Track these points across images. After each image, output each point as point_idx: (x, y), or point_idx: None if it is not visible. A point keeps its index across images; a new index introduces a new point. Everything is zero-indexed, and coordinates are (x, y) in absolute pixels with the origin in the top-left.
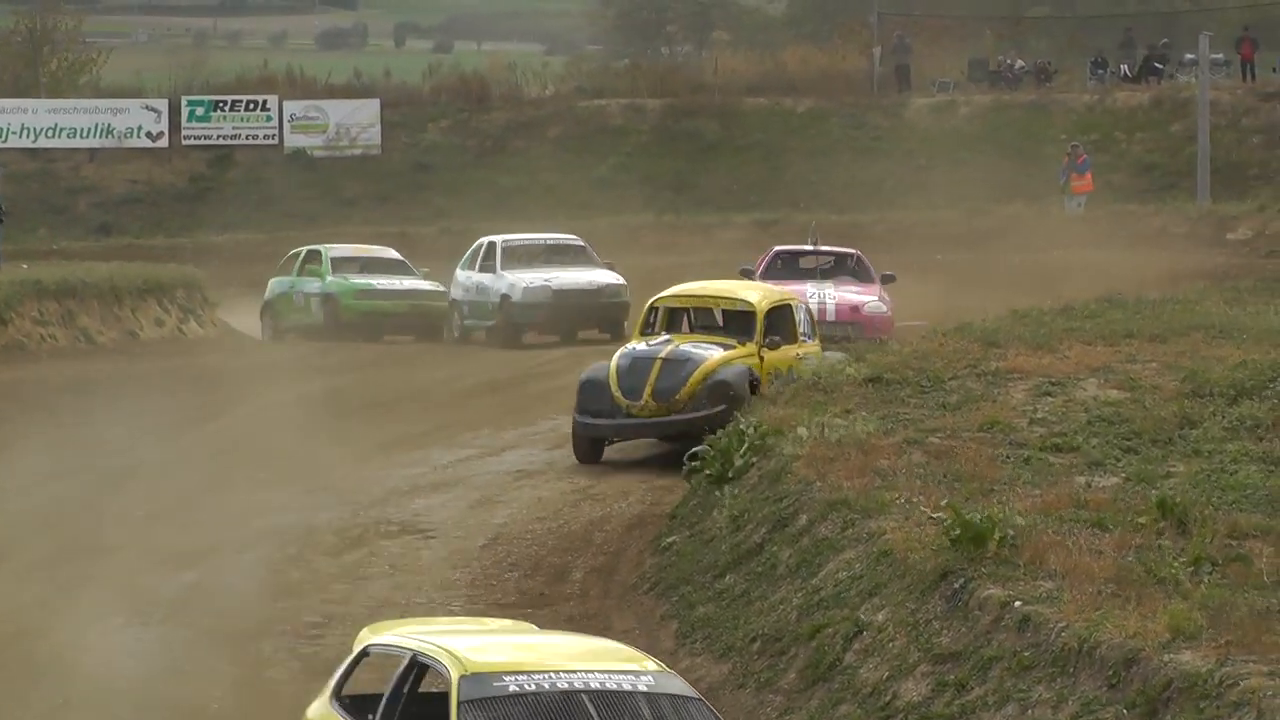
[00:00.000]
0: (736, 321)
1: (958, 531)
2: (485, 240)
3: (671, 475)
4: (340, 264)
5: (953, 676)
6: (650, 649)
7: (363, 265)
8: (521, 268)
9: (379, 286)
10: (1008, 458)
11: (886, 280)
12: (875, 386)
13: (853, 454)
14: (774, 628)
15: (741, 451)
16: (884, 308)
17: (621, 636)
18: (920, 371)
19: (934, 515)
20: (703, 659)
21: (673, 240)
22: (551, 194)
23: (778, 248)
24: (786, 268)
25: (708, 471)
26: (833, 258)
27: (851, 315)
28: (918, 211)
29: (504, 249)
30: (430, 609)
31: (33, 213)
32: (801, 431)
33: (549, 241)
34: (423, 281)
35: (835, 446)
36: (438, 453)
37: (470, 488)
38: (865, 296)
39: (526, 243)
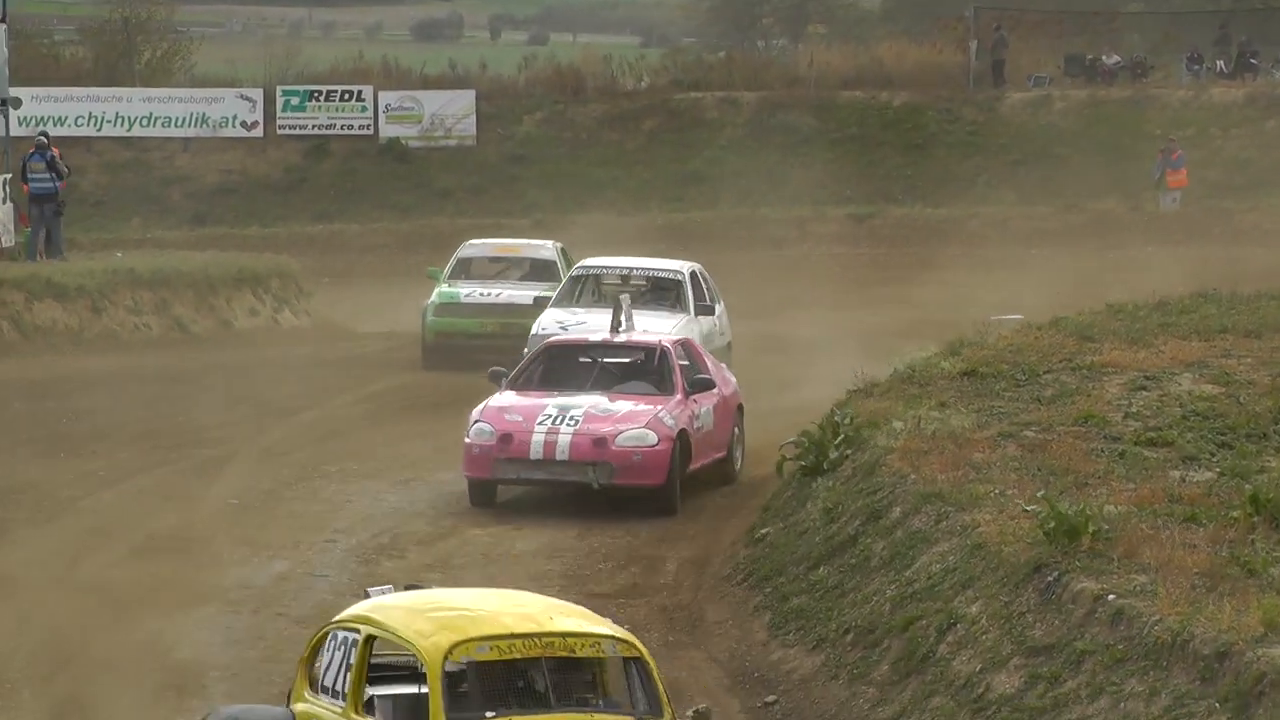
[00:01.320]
0: None
1: (1052, 525)
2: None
3: (765, 467)
4: (466, 266)
5: (1046, 669)
6: (743, 640)
7: (498, 268)
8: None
9: (470, 299)
10: (1102, 452)
11: (697, 387)
12: (970, 380)
13: (947, 447)
14: (867, 620)
15: (836, 444)
16: (654, 438)
17: (714, 627)
18: (1015, 365)
19: (1028, 508)
20: (796, 650)
21: (767, 232)
22: (646, 187)
23: (550, 341)
24: (557, 369)
25: (802, 463)
26: (637, 354)
27: (595, 453)
28: (1012, 206)
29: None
30: None
31: (127, 202)
32: (896, 424)
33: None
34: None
35: (930, 439)
36: None
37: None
38: (626, 425)
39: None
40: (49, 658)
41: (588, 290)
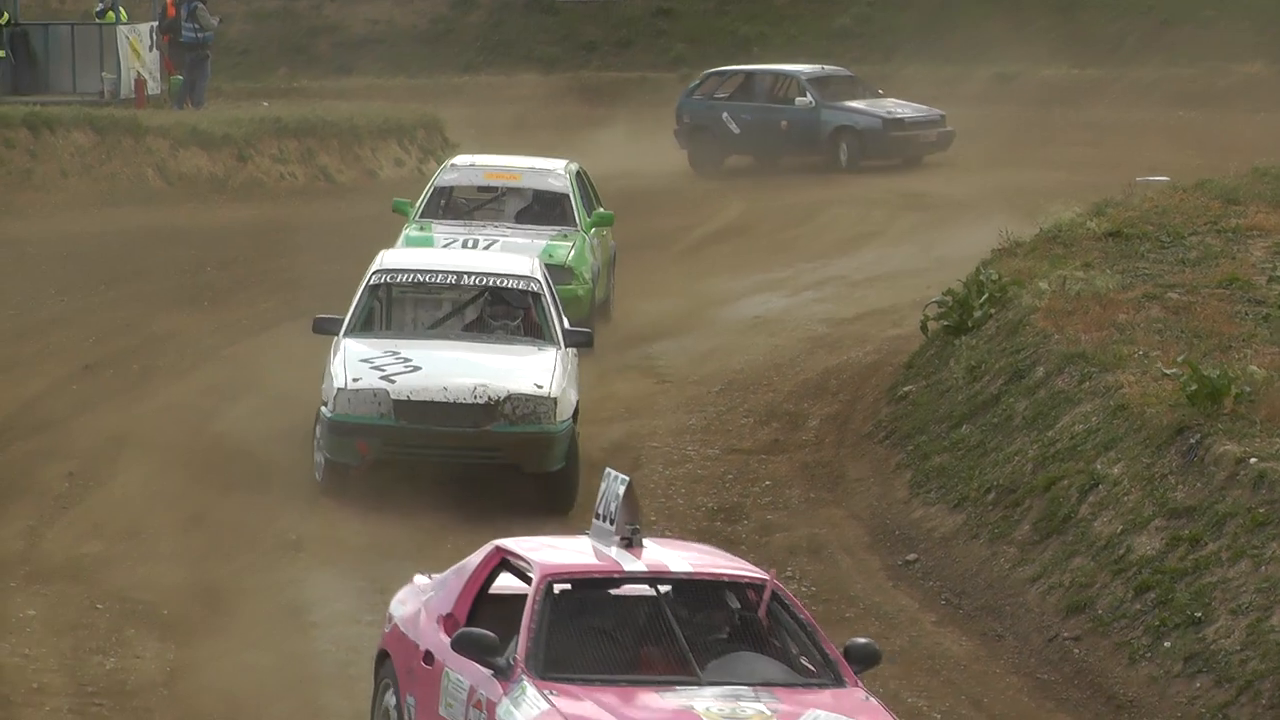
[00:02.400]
0: None
1: (1194, 387)
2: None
3: (908, 325)
4: (446, 199)
5: (1186, 532)
6: (884, 497)
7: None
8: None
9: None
10: (1246, 315)
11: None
12: (1114, 241)
13: (1091, 307)
14: (1009, 479)
15: (980, 303)
16: None
17: (856, 484)
18: (1160, 227)
19: (1171, 370)
20: (936, 509)
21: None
22: (792, 43)
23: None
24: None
25: (945, 322)
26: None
27: None
28: (1159, 68)
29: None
30: (665, 452)
31: (273, 52)
32: (1041, 284)
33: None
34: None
35: (1074, 299)
36: (675, 299)
37: (706, 334)
38: None
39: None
40: (188, 508)
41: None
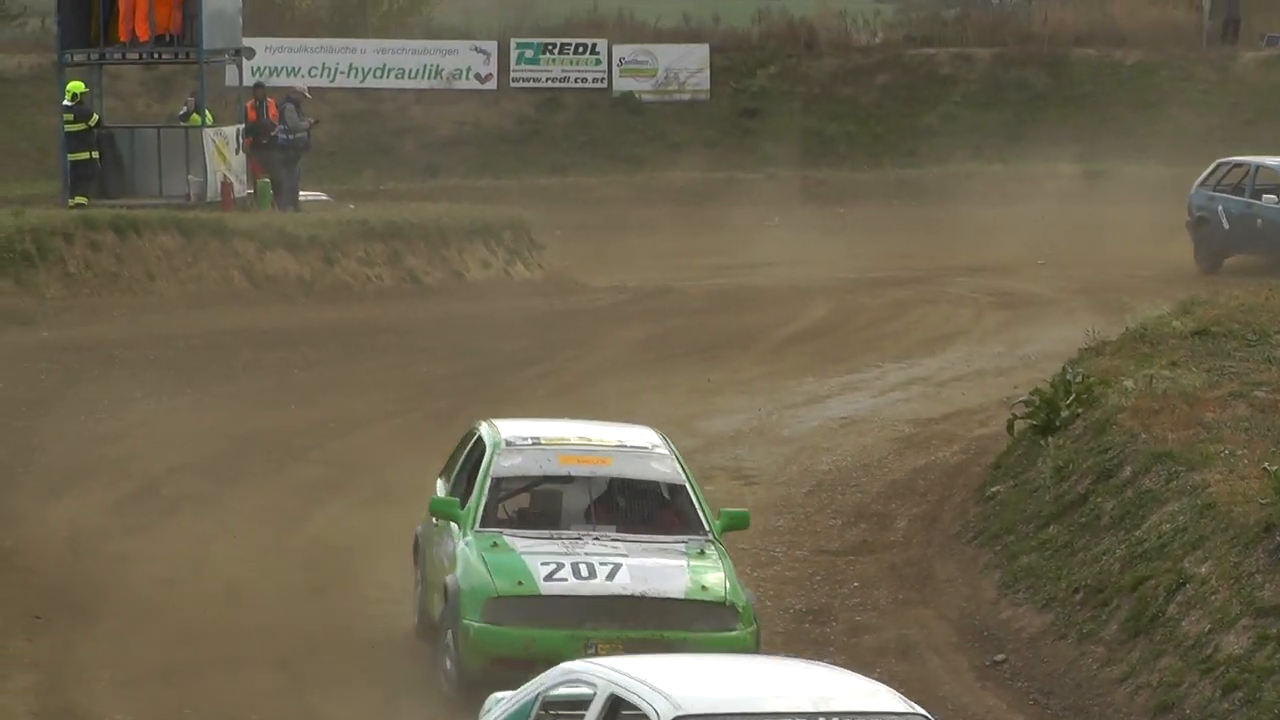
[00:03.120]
0: None
1: None
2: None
3: (995, 425)
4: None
5: (1275, 630)
6: (972, 598)
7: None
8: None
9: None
10: None
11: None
12: (1201, 339)
13: (1178, 406)
14: (1096, 579)
15: (1067, 402)
16: None
17: (944, 585)
18: (1246, 325)
19: (1261, 467)
20: (1025, 609)
21: (999, 188)
22: (878, 142)
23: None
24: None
25: (1033, 422)
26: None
27: None
28: None
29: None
30: (754, 554)
31: (359, 153)
32: (1127, 383)
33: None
34: None
35: (1161, 398)
36: (761, 399)
37: (794, 434)
38: None
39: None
40: (281, 606)
41: None
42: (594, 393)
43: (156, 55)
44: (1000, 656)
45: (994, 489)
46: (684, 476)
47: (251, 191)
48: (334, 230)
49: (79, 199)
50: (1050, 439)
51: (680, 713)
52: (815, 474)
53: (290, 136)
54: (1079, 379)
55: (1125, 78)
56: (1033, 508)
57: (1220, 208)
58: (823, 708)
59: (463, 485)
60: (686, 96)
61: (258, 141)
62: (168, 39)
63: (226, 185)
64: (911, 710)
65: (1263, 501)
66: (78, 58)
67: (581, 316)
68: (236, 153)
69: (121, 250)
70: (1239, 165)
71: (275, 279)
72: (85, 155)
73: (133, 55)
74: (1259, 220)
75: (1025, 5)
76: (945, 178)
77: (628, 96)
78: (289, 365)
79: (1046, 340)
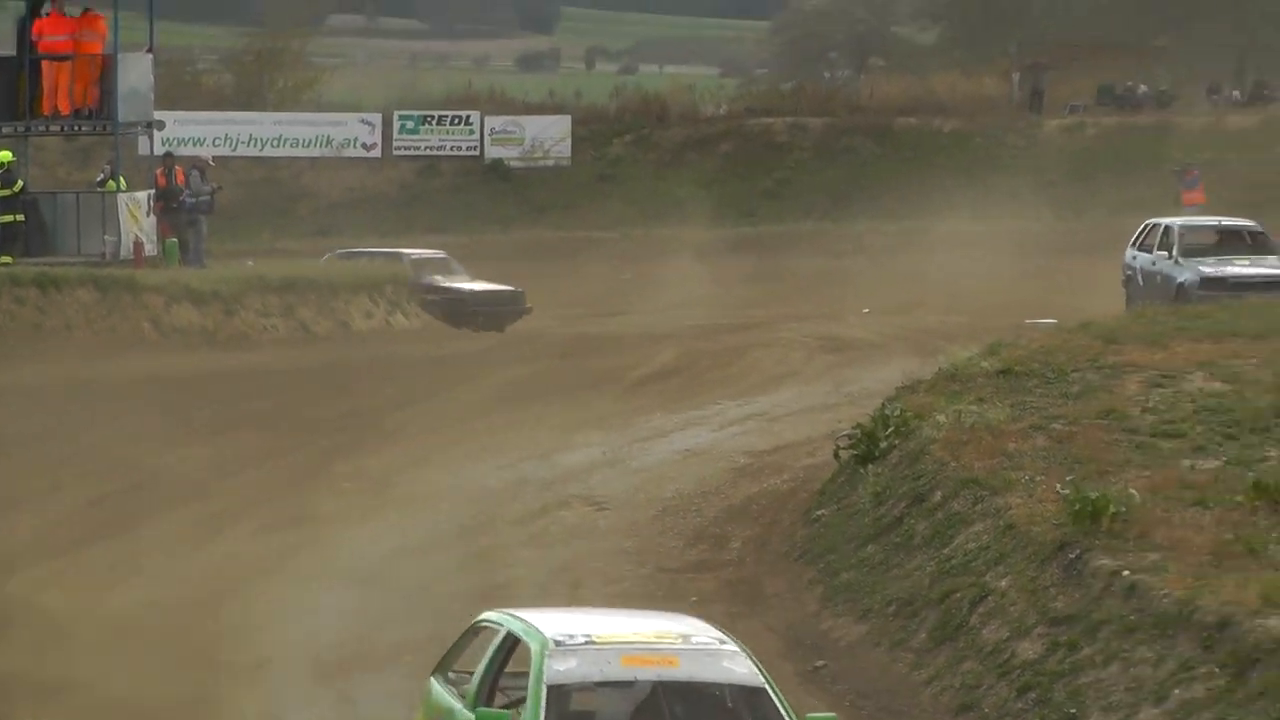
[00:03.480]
0: None
1: (1076, 508)
2: None
3: (821, 455)
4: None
5: (1065, 637)
6: (797, 611)
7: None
8: None
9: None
10: (1121, 443)
11: None
12: (1005, 378)
13: (984, 437)
14: (908, 592)
15: (885, 435)
16: None
17: (773, 599)
18: (1046, 365)
19: (1056, 492)
20: (844, 620)
21: (828, 245)
22: (721, 202)
23: None
24: None
25: (854, 452)
26: None
27: None
28: (1049, 222)
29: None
30: (604, 572)
31: (258, 215)
32: (939, 417)
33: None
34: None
35: (969, 431)
36: (614, 434)
37: (642, 465)
38: None
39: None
40: (172, 630)
41: None
42: (466, 430)
43: (76, 128)
44: (821, 663)
45: (819, 512)
46: (763, 678)
47: (161, 251)
48: (234, 285)
49: (5, 258)
50: (870, 467)
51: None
52: (660, 500)
53: (195, 200)
54: (896, 414)
55: (943, 144)
56: (853, 529)
57: (1139, 265)
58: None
59: (486, 691)
60: (550, 163)
61: (167, 205)
62: (86, 113)
63: (138, 245)
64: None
65: (1056, 523)
66: (5, 130)
67: (455, 361)
68: (147, 215)
69: (44, 304)
70: (1156, 225)
71: (181, 329)
72: (11, 218)
73: (55, 128)
74: (1158, 276)
75: (854, 79)
76: (781, 235)
77: (498, 163)
78: (194, 407)
79: (868, 380)
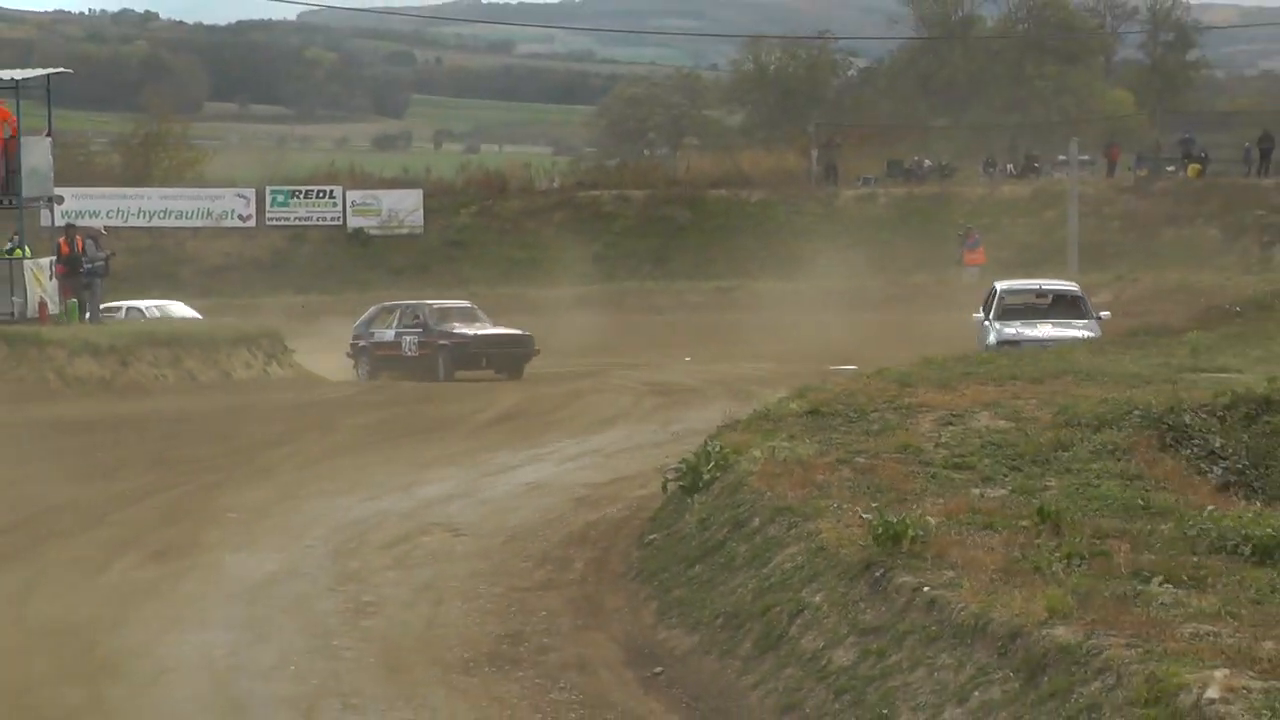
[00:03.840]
0: None
1: (879, 531)
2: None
3: (652, 487)
4: None
5: (875, 646)
6: (635, 624)
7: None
8: None
9: None
10: (918, 474)
11: None
12: (813, 417)
13: (796, 470)
14: (733, 607)
15: (708, 468)
16: None
17: (613, 614)
18: (848, 405)
19: (861, 518)
20: (677, 632)
21: (652, 302)
22: (557, 264)
23: None
24: None
25: (681, 483)
26: None
27: None
28: (846, 280)
29: None
30: (461, 590)
31: (146, 278)
32: (755, 452)
33: None
34: None
35: (782, 464)
36: (466, 469)
37: (492, 496)
38: None
39: None
40: (78, 643)
41: None
42: (333, 466)
43: None
44: (659, 670)
45: (651, 537)
46: None
47: (63, 310)
48: (128, 339)
49: None
50: (695, 497)
51: None
52: (509, 527)
53: (92, 265)
54: (717, 450)
55: (750, 212)
56: (682, 551)
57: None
58: None
59: None
60: (405, 231)
61: (70, 270)
62: None
63: (42, 305)
64: None
65: (862, 544)
66: None
67: (323, 406)
68: (50, 279)
69: None
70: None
71: (82, 378)
72: None
73: None
74: (980, 336)
75: (671, 155)
76: (610, 293)
77: (359, 231)
78: (93, 447)
79: (691, 420)
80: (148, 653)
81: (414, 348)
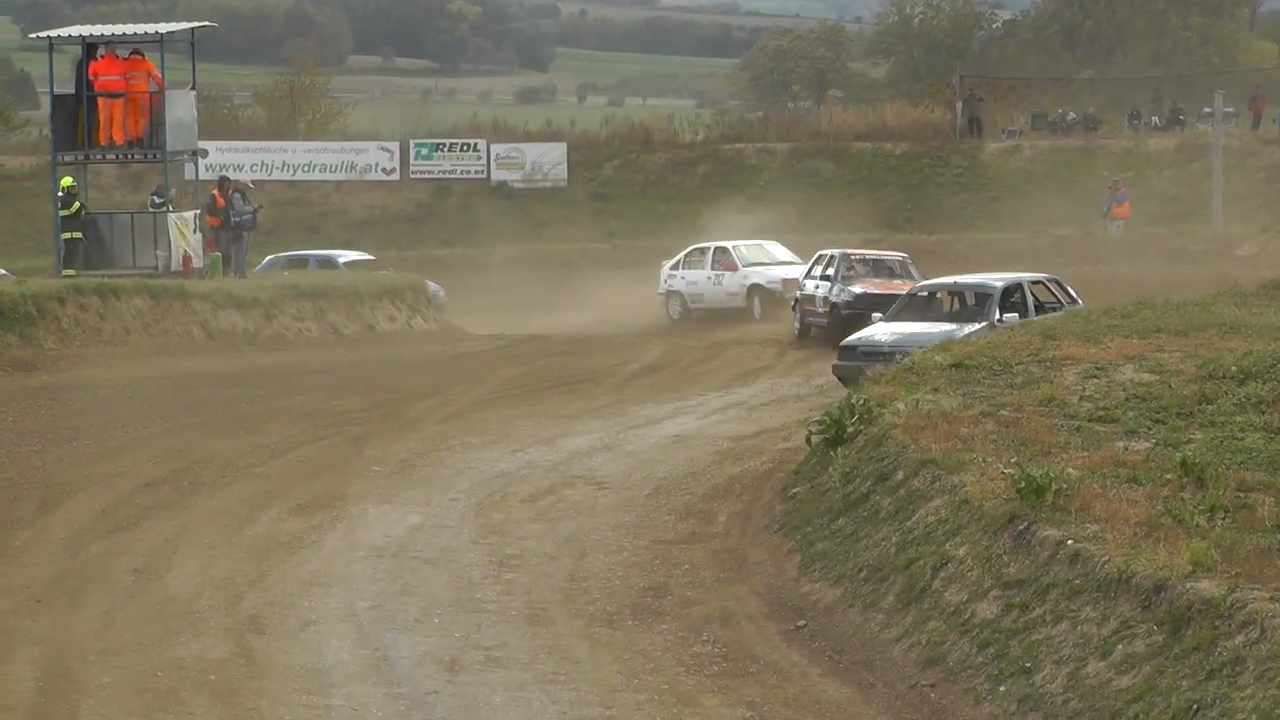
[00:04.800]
0: None
1: (1023, 485)
2: None
3: (795, 440)
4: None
5: (1018, 599)
6: (778, 576)
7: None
8: None
9: None
10: (1062, 427)
11: None
12: (957, 370)
13: (939, 423)
14: (877, 560)
15: (852, 421)
16: None
17: (756, 567)
18: (992, 359)
19: (1004, 471)
20: (820, 585)
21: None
22: (700, 218)
23: None
24: None
25: (825, 436)
26: None
27: None
28: (990, 233)
29: None
30: (605, 544)
31: (290, 232)
32: (899, 405)
33: None
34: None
35: (926, 417)
36: (610, 422)
37: (636, 449)
38: None
39: None
40: (230, 593)
41: None
42: (478, 419)
43: (129, 156)
44: (801, 623)
45: (795, 490)
46: None
47: (206, 264)
48: (272, 293)
49: (69, 271)
50: (839, 450)
51: None
52: (654, 480)
53: (239, 218)
54: (861, 402)
55: (894, 165)
56: (825, 505)
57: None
58: None
59: None
60: (549, 184)
61: (224, 222)
62: (138, 143)
63: (187, 258)
64: None
65: (1006, 498)
66: (67, 158)
67: (467, 359)
68: (194, 232)
69: (104, 310)
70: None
71: (226, 332)
72: (74, 235)
73: (111, 156)
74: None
75: (815, 108)
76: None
77: (502, 185)
78: (237, 400)
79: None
80: (292, 606)
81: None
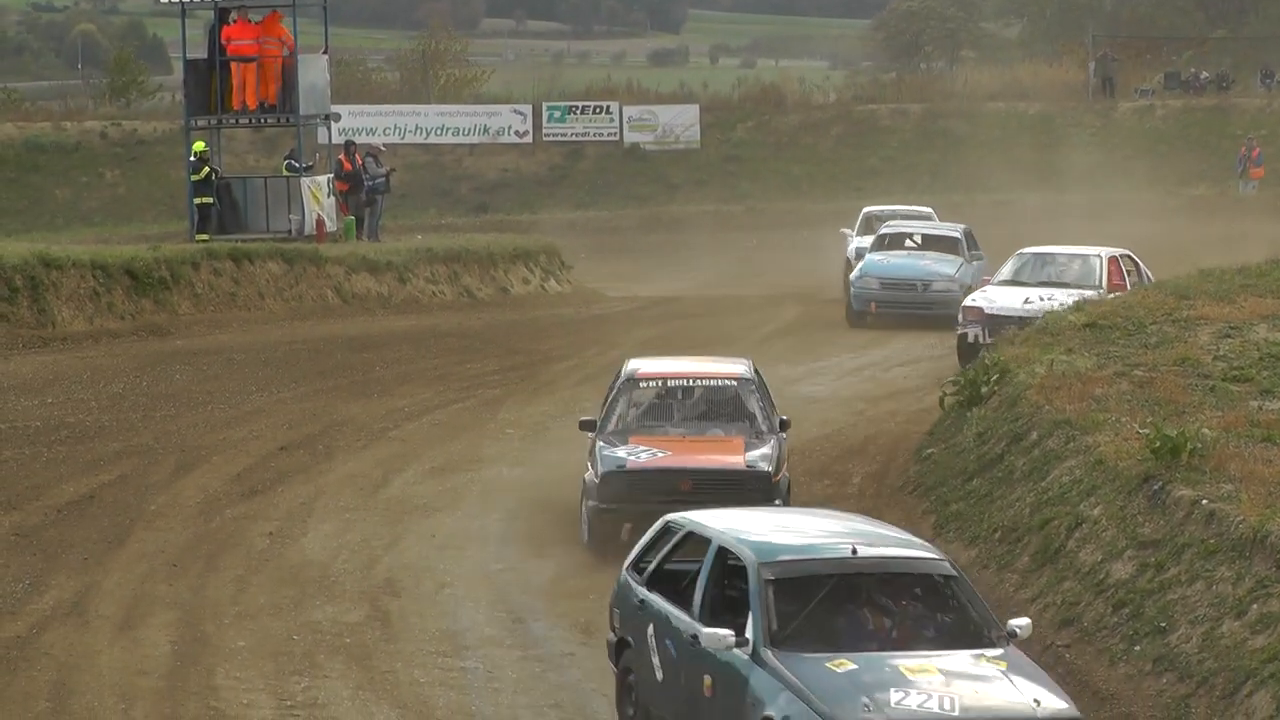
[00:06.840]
0: None
1: (1157, 444)
2: None
3: (929, 400)
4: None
5: (1153, 559)
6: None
7: None
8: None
9: None
10: (1196, 387)
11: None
12: (1091, 330)
13: (1074, 384)
14: (1011, 520)
15: (986, 382)
16: None
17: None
18: (1126, 319)
19: (1139, 431)
20: (955, 545)
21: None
22: (833, 180)
23: None
24: None
25: (959, 397)
26: None
27: None
28: (1123, 192)
29: None
30: None
31: (423, 195)
32: (1034, 366)
33: None
34: None
35: (1060, 378)
36: None
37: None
38: None
39: None
40: (365, 556)
41: None
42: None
43: (262, 120)
44: None
45: (929, 451)
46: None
47: (340, 227)
48: (406, 256)
49: (202, 235)
50: (973, 411)
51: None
52: (789, 441)
53: (372, 182)
54: (995, 363)
55: (1027, 125)
56: (959, 465)
57: None
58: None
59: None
60: (681, 146)
61: (353, 186)
62: (271, 107)
63: (320, 222)
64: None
65: (1140, 458)
66: (200, 123)
67: (602, 321)
68: (328, 196)
69: (238, 275)
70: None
71: (360, 296)
72: (207, 200)
73: (243, 120)
74: None
75: (948, 69)
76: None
77: (635, 147)
78: (371, 364)
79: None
80: (427, 568)
81: None
